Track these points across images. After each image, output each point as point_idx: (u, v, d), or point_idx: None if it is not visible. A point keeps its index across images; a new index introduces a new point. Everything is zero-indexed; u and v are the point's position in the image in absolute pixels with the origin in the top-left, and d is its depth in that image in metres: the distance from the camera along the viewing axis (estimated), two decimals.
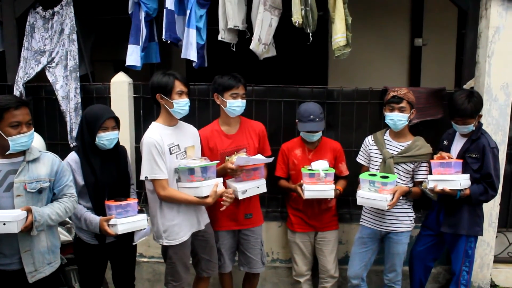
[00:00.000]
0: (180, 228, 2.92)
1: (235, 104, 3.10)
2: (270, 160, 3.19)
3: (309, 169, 3.17)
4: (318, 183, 3.14)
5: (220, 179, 2.92)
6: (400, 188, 3.06)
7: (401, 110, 3.07)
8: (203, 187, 2.80)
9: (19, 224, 2.27)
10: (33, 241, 2.43)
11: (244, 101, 3.17)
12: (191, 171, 2.82)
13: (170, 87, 2.83)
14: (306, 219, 3.41)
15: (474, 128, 3.04)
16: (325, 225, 3.43)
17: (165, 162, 2.83)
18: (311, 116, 3.18)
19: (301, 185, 3.18)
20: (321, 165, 3.17)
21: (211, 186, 2.83)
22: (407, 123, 3.12)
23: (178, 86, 2.86)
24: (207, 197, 2.82)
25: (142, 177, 2.84)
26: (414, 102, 3.12)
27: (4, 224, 2.24)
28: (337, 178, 3.37)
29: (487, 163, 2.98)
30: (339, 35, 3.54)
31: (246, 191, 3.07)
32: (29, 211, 2.33)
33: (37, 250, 2.46)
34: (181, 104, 2.87)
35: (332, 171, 3.19)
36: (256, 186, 3.13)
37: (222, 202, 2.93)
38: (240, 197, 3.05)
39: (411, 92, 3.14)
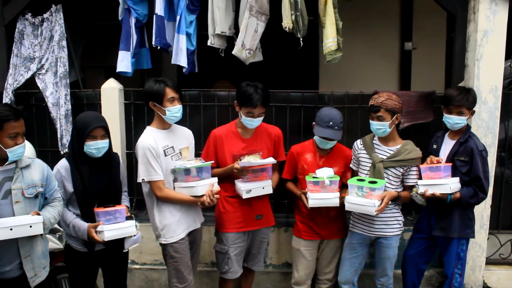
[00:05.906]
0: (178, 226, 2.97)
1: (247, 121, 3.08)
2: (275, 161, 3.13)
3: (314, 177, 3.11)
4: (323, 191, 3.06)
5: (215, 179, 2.97)
6: (389, 193, 3.03)
7: (379, 119, 3.01)
8: (198, 187, 2.87)
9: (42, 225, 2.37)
10: (32, 247, 2.48)
11: (260, 118, 3.10)
12: (187, 171, 2.89)
13: (162, 94, 2.88)
14: (314, 227, 3.30)
15: (466, 124, 3.05)
16: (333, 234, 3.34)
17: (160, 164, 2.90)
18: (331, 123, 3.06)
19: (305, 193, 3.11)
20: (325, 173, 3.11)
21: (206, 185, 2.90)
22: (389, 130, 3.05)
23: (169, 93, 2.90)
24: (202, 196, 2.88)
25: (139, 180, 2.92)
26: (396, 108, 2.99)
27: (31, 226, 2.31)
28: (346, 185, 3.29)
29: (475, 166, 2.99)
30: (330, 39, 3.55)
31: (250, 190, 3.07)
32: (37, 215, 2.40)
33: (36, 255, 2.50)
34: (173, 112, 2.92)
35: (337, 178, 3.10)
36: (261, 187, 3.11)
37: (208, 201, 2.90)
38: (244, 196, 3.05)
39: (392, 98, 3.01)
